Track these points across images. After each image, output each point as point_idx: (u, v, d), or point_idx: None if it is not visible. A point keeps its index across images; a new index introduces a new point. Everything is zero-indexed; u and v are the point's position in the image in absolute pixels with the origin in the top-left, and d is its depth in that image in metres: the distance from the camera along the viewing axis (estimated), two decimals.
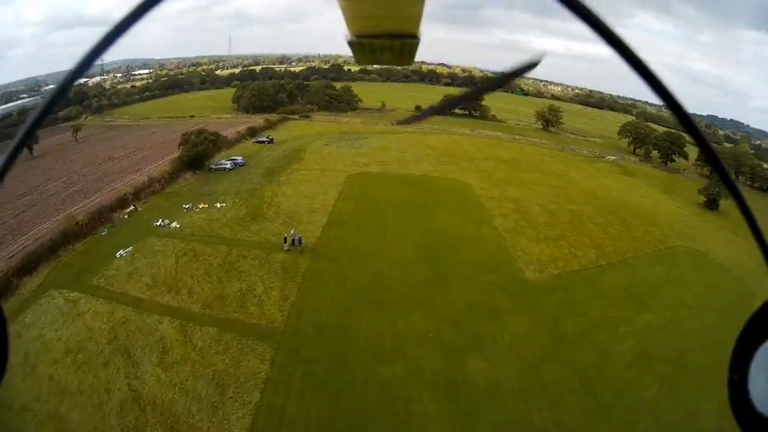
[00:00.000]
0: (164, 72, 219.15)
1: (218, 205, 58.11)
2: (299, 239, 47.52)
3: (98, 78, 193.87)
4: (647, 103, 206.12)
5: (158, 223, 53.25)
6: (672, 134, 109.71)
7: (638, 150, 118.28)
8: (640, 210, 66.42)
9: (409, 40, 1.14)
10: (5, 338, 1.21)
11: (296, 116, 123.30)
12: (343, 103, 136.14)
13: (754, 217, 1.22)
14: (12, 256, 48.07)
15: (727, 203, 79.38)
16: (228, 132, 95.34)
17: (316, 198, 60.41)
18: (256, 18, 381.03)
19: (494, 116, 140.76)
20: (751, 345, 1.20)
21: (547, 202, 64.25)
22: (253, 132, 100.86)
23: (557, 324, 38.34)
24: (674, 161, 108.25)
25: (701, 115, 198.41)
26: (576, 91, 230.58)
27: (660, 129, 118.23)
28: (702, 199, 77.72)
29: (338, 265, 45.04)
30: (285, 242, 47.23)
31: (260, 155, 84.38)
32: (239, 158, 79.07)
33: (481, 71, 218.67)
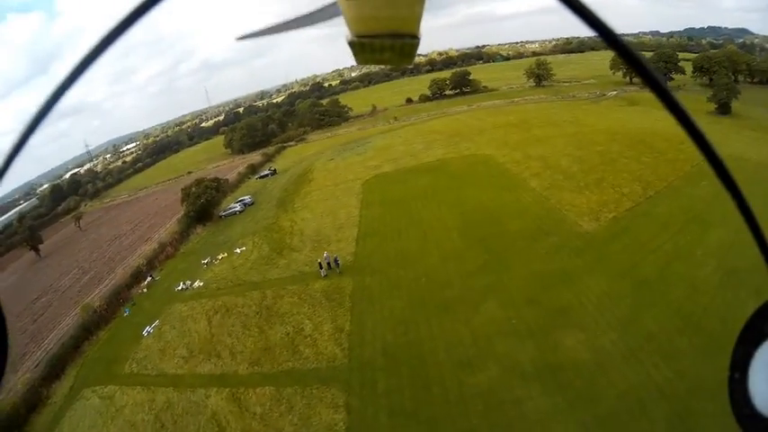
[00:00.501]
0: (150, 140, 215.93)
1: (238, 250, 53.16)
2: (335, 260, 42.17)
3: (88, 165, 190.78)
4: (623, 34, 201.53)
5: (180, 287, 48.45)
6: (663, 54, 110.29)
7: (633, 80, 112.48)
8: (662, 133, 61.30)
9: (410, 40, 1.10)
10: (5, 338, 1.16)
11: (291, 142, 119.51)
12: (334, 117, 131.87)
13: (751, 212, 1.15)
14: (37, 365, 43.38)
15: (738, 105, 79.33)
16: (229, 175, 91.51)
17: (338, 213, 55.64)
18: (223, 64, 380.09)
19: (485, 87, 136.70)
20: (751, 344, 1.19)
21: (572, 151, 60.76)
22: (253, 170, 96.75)
23: (635, 268, 34.37)
24: (673, 79, 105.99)
25: (679, 31, 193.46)
26: (554, 42, 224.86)
27: (648, 53, 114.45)
28: (713, 106, 76.57)
29: (386, 276, 39.79)
30: (320, 268, 41.86)
31: (267, 189, 79.95)
32: (247, 198, 74.57)
33: (456, 50, 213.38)
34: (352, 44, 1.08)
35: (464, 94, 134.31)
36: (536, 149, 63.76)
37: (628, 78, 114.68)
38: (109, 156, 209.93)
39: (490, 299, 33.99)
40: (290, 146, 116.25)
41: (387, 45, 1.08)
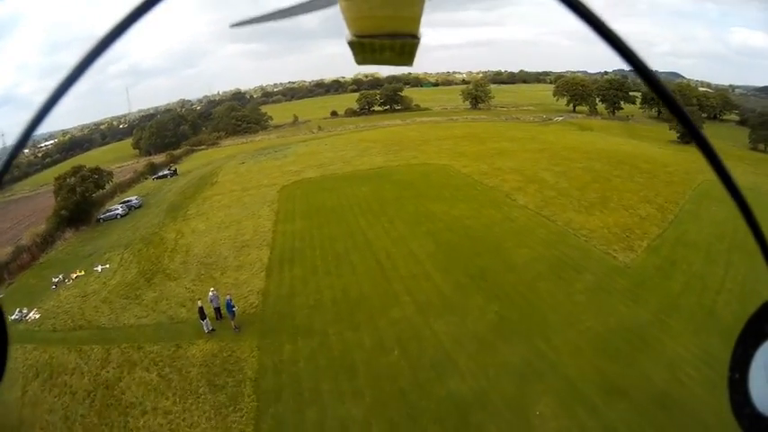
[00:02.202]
0: (66, 137, 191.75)
1: (99, 269, 34.73)
2: (228, 305, 22.42)
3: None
4: (549, 72, 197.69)
5: (15, 316, 29.52)
6: (614, 81, 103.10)
7: (578, 107, 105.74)
8: (639, 155, 53.08)
9: (410, 40, 1.04)
10: (5, 337, 1.05)
11: (203, 146, 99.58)
12: (253, 123, 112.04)
13: (752, 212, 1.04)
14: None
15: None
16: (124, 172, 73.11)
17: (243, 225, 37.58)
18: (152, 71, 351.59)
19: (417, 105, 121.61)
20: (751, 345, 1.11)
21: (549, 166, 47.59)
22: (153, 169, 76.49)
23: (713, 318, 21.48)
24: (622, 108, 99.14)
25: (608, 71, 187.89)
26: (482, 74, 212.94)
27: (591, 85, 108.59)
28: (675, 136, 69.10)
29: (322, 341, 20.56)
30: (202, 318, 22.35)
31: (161, 190, 60.93)
32: (134, 199, 56.38)
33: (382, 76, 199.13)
34: (351, 44, 1.02)
35: (395, 111, 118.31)
36: (504, 162, 50.00)
37: (572, 107, 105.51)
38: (27, 151, 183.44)
39: (539, 394, 16.46)
40: (201, 149, 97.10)
41: (387, 45, 1.02)
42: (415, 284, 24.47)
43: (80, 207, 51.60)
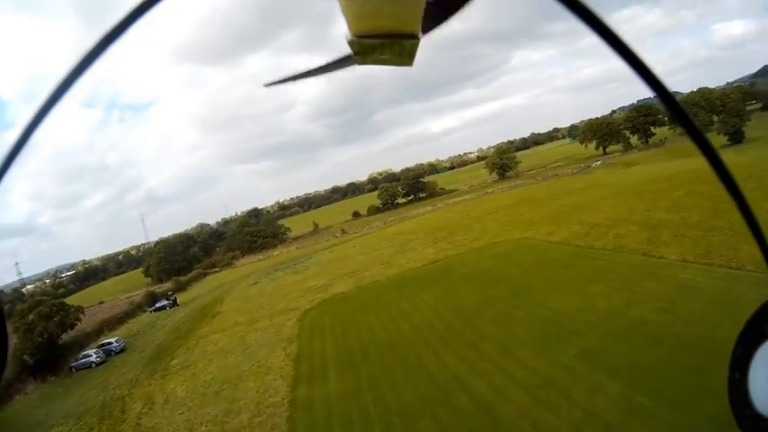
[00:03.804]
0: (83, 268, 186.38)
1: None
2: None
3: (24, 288, 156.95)
4: (557, 128, 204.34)
5: None
6: (641, 108, 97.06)
7: (609, 147, 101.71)
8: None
9: (410, 41, 1.00)
10: (5, 334, 1.02)
11: (216, 268, 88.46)
12: (269, 238, 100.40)
13: (753, 216, 0.99)
14: None
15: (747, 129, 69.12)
16: (119, 305, 63.66)
17: (239, 392, 23.95)
18: (168, 197, 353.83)
19: (443, 189, 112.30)
20: (751, 345, 1.10)
21: (653, 204, 38.28)
22: (153, 299, 64.07)
23: None
24: (655, 134, 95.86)
25: (614, 110, 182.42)
26: (493, 147, 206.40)
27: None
28: (724, 140, 66.86)
29: None
30: None
31: (155, 327, 48.59)
32: (114, 341, 44.32)
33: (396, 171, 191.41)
34: (351, 44, 0.97)
35: (420, 199, 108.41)
36: (594, 216, 39.05)
37: (602, 149, 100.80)
38: (48, 281, 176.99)
39: None
40: (215, 272, 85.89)
41: (387, 45, 0.98)
42: None
43: (46, 351, 42.42)
